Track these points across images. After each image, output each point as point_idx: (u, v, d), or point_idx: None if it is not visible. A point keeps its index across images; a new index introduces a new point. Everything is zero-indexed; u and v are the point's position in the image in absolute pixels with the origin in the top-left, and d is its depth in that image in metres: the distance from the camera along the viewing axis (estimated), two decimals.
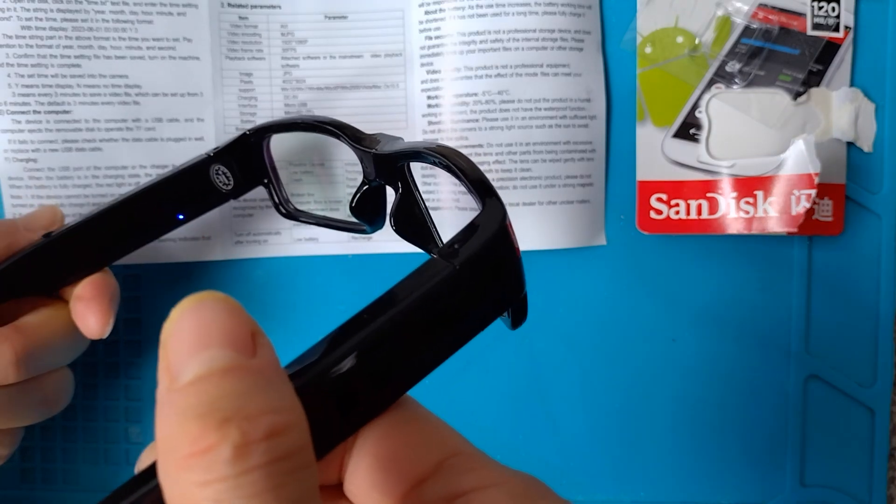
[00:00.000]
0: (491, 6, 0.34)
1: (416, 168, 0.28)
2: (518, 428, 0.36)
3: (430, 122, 0.35)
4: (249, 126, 0.32)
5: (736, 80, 0.34)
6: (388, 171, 0.27)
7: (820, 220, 0.35)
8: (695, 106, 0.35)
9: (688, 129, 0.35)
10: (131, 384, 0.37)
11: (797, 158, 0.33)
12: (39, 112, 0.34)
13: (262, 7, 0.35)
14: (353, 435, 0.17)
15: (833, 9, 0.34)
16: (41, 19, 0.33)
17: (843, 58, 0.34)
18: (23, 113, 0.34)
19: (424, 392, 0.19)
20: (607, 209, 0.36)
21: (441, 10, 0.34)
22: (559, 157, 0.35)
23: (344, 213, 0.31)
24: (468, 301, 0.18)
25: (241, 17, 0.35)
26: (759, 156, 0.34)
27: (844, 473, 0.36)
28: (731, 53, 0.34)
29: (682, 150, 0.35)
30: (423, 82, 0.35)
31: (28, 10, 0.33)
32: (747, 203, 0.34)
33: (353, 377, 0.16)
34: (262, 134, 0.32)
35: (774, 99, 0.34)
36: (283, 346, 0.40)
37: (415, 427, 0.18)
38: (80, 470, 0.37)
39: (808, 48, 0.34)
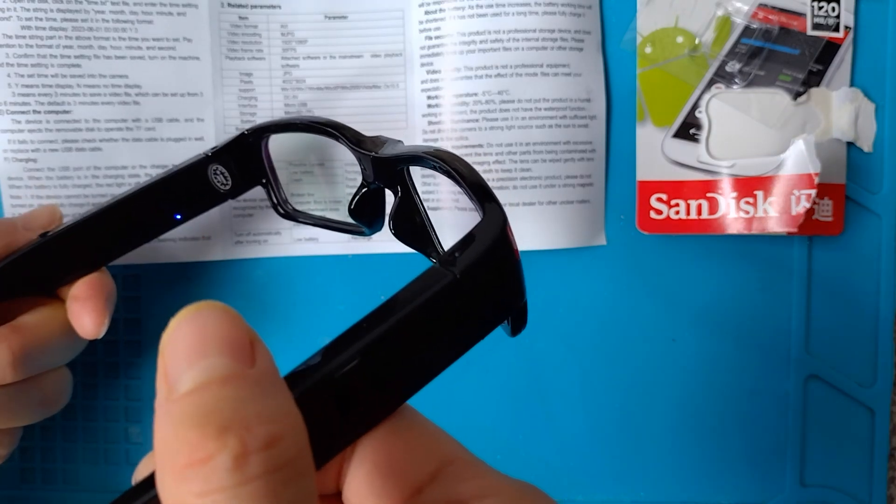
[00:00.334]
0: (491, 6, 0.34)
1: (416, 167, 0.28)
2: (518, 428, 0.36)
3: (430, 122, 0.35)
4: (249, 126, 0.32)
5: (736, 80, 0.34)
6: (387, 175, 0.27)
7: (820, 220, 0.35)
8: (695, 106, 0.35)
9: (688, 129, 0.35)
10: (131, 384, 0.37)
11: (797, 158, 0.33)
12: (39, 112, 0.34)
13: (262, 7, 0.35)
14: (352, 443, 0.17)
15: (833, 9, 0.34)
16: (41, 19, 0.33)
17: (843, 58, 0.34)
18: (23, 113, 0.34)
19: (424, 392, 0.19)
20: (607, 209, 0.36)
21: (441, 10, 0.34)
22: (559, 157, 0.35)
23: (343, 213, 0.31)
24: (469, 309, 0.18)
25: (241, 17, 0.35)
26: (759, 156, 0.34)
27: (844, 473, 0.36)
28: (731, 53, 0.34)
29: (682, 150, 0.35)
30: (423, 82, 0.35)
31: (28, 10, 0.33)
32: (747, 203, 0.34)
33: (353, 385, 0.16)
34: (260, 134, 0.31)
35: (774, 99, 0.34)
36: (284, 345, 0.40)
37: (413, 435, 0.18)
38: (79, 470, 0.37)
39: (808, 48, 0.34)
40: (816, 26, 0.34)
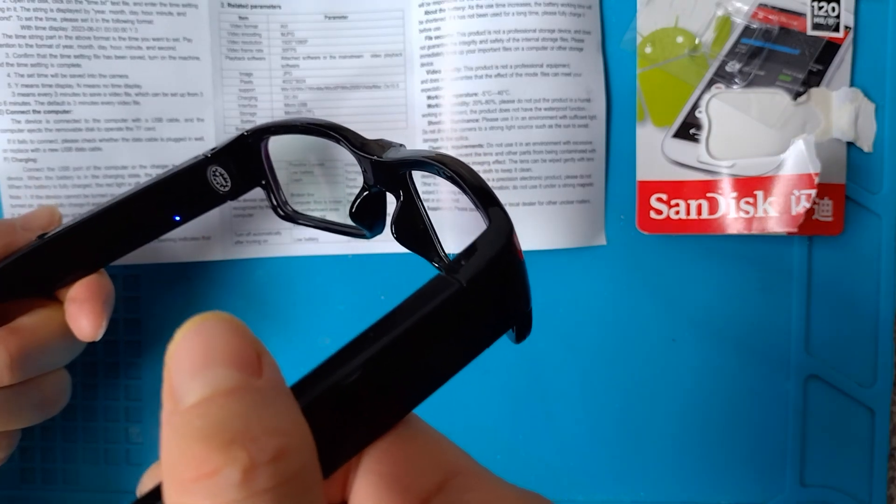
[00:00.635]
0: (491, 6, 0.34)
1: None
2: (518, 428, 0.36)
3: (430, 122, 0.35)
4: (249, 126, 0.32)
5: (736, 80, 0.34)
6: (388, 179, 0.27)
7: (820, 220, 0.35)
8: (695, 106, 0.35)
9: (688, 129, 0.35)
10: (131, 384, 0.37)
11: (797, 158, 0.33)
12: (39, 112, 0.34)
13: (262, 7, 0.35)
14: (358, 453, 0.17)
15: (833, 9, 0.34)
16: (41, 19, 0.33)
17: (843, 58, 0.34)
18: (22, 113, 0.34)
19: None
20: (607, 209, 0.36)
21: (441, 10, 0.34)
22: (559, 157, 0.35)
23: (343, 213, 0.31)
24: (475, 318, 0.18)
25: (241, 17, 0.35)
26: (759, 156, 0.34)
27: (844, 473, 0.36)
28: (731, 53, 0.34)
29: (682, 150, 0.35)
30: (423, 82, 0.35)
31: (28, 10, 0.33)
32: (747, 203, 0.34)
33: (360, 395, 0.16)
34: (260, 135, 0.31)
35: (774, 99, 0.34)
36: (284, 346, 0.40)
37: (419, 444, 0.17)
38: (79, 470, 0.37)
39: (808, 48, 0.34)
40: (816, 26, 0.34)
